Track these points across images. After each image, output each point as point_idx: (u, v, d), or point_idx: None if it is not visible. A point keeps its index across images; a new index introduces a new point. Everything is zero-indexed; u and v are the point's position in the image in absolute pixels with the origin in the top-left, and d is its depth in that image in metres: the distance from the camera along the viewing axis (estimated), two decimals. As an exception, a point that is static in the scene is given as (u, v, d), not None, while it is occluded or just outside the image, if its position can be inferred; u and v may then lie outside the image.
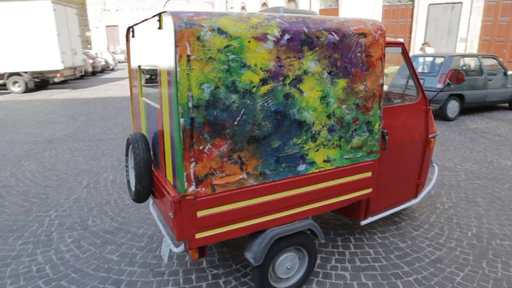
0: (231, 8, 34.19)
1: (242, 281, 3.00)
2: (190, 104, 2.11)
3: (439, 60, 9.14)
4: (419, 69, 9.77)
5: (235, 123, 2.27)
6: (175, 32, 2.00)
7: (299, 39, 2.38)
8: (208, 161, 2.24)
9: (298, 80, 2.43)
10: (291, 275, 2.87)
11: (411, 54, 16.56)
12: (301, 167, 2.60)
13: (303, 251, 2.86)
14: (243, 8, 31.50)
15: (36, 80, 16.21)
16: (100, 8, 36.67)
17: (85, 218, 4.14)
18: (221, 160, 2.28)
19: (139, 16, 36.83)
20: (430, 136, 3.65)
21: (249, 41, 2.21)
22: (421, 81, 8.83)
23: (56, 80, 15.93)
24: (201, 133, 2.18)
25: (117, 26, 40.43)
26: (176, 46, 2.01)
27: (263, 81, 2.30)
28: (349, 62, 2.62)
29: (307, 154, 2.60)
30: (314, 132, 2.59)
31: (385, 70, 14.96)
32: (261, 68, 2.28)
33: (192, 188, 2.24)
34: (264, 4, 27.26)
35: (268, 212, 2.56)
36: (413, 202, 3.78)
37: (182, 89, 2.07)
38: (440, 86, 8.69)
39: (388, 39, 3.24)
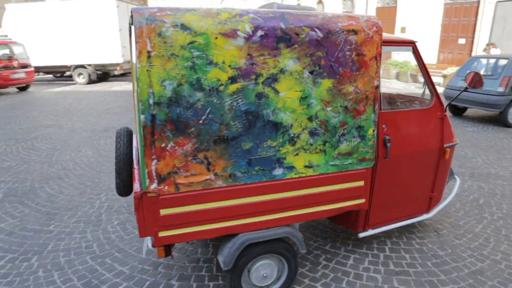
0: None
1: (273, 274, 3.06)
2: (151, 101, 2.06)
3: (502, 62, 8.55)
4: (481, 72, 9.21)
5: (200, 121, 2.19)
6: (135, 28, 1.98)
7: (275, 36, 2.24)
8: (171, 159, 2.19)
9: (273, 79, 2.29)
10: (268, 284, 2.74)
11: (473, 55, 15.59)
12: (278, 171, 2.45)
13: (282, 260, 2.73)
14: (298, 4, 31.34)
15: (98, 72, 17.28)
16: (160, 4, 38.20)
17: (131, 203, 4.41)
18: (185, 159, 2.21)
19: (196, 13, 37.88)
20: (446, 145, 3.31)
21: (216, 38, 2.11)
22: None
23: (116, 72, 16.89)
24: (163, 131, 2.13)
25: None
26: (136, 42, 1.99)
27: (232, 79, 2.19)
28: (335, 61, 2.43)
29: (284, 158, 2.45)
30: (292, 135, 2.43)
31: (444, 71, 14.21)
32: (229, 66, 2.17)
33: (154, 186, 2.20)
34: (320, 1, 26.91)
35: (241, 216, 2.45)
36: (425, 216, 3.49)
37: (142, 86, 2.03)
38: (501, 89, 8.14)
39: (397, 37, 3.02)
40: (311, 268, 3.14)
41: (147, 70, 2.02)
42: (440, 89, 13.62)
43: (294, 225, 2.95)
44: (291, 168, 2.49)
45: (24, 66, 13.71)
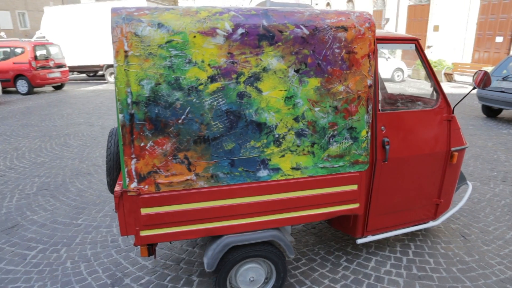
0: (316, 4, 33.78)
1: (292, 273, 3.06)
2: (129, 100, 2.05)
3: (541, 62, 8.15)
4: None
5: (180, 121, 2.16)
6: (112, 27, 1.98)
7: (256, 34, 2.17)
8: (151, 159, 2.17)
9: (255, 78, 2.23)
10: None
11: (511, 54, 14.92)
12: (262, 173, 2.39)
13: (270, 264, 2.65)
14: (328, 4, 31.01)
15: (130, 71, 17.72)
16: (190, 5, 38.86)
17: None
18: (165, 159, 2.19)
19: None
20: (453, 149, 3.12)
21: (194, 36, 2.07)
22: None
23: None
24: (141, 130, 2.12)
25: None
26: (113, 41, 1.99)
27: (212, 79, 2.15)
28: (323, 59, 2.33)
29: (269, 159, 2.38)
30: (277, 135, 2.35)
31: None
32: (209, 65, 2.13)
33: (134, 185, 2.19)
34: (350, 0, 26.54)
35: (225, 217, 2.40)
36: (432, 224, 3.31)
37: (120, 85, 2.03)
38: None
39: (400, 34, 2.88)
40: (331, 269, 3.12)
41: (125, 70, 2.02)
42: (465, 89, 13.13)
43: (285, 229, 2.89)
44: (277, 170, 2.41)
45: (60, 66, 14.27)
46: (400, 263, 3.19)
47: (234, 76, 2.19)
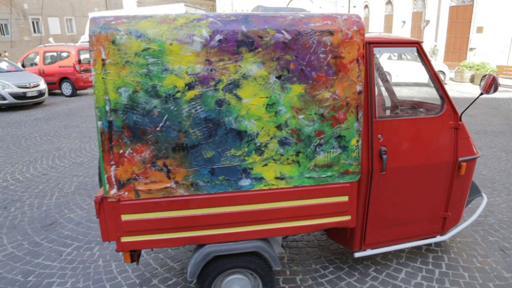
0: (354, 7, 33.27)
1: (319, 281, 3.02)
2: (108, 108, 2.08)
3: None
4: None
5: (158, 129, 2.16)
6: (89, 36, 2.01)
7: (235, 40, 2.13)
8: (130, 166, 2.18)
9: (234, 85, 2.18)
10: None
11: None
12: (244, 182, 2.33)
13: (256, 276, 2.58)
14: (366, 6, 30.45)
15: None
16: (228, 9, 39.31)
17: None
18: (144, 166, 2.20)
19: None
20: (461, 159, 2.90)
21: (170, 44, 2.08)
22: None
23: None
24: (120, 137, 2.13)
25: (241, 26, 42.92)
26: (90, 50, 2.02)
27: (190, 86, 2.13)
28: (307, 65, 2.25)
29: (251, 168, 2.32)
30: (259, 144, 2.29)
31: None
32: (186, 72, 2.12)
33: (114, 191, 2.21)
34: (389, 2, 25.91)
35: (206, 226, 2.37)
36: (440, 238, 3.11)
37: (98, 93, 2.06)
38: None
39: (400, 37, 2.74)
40: (359, 278, 3.05)
41: (103, 78, 2.05)
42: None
43: (275, 239, 2.80)
44: (259, 179, 2.35)
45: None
46: (432, 276, 3.06)
47: (212, 83, 2.16)
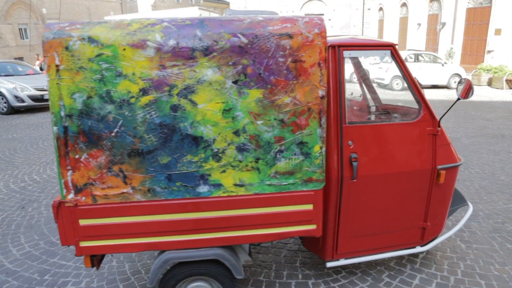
0: (368, 9, 33.03)
1: (331, 286, 3.00)
2: (62, 113, 2.09)
3: None
4: None
5: (113, 134, 2.16)
6: (43, 43, 2.03)
7: (189, 44, 2.11)
8: (86, 171, 2.19)
9: (189, 90, 2.15)
10: None
11: None
12: (202, 189, 2.30)
13: (218, 284, 2.55)
14: (380, 9, 30.22)
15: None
16: (241, 8, 39.48)
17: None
18: (100, 171, 2.20)
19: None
20: (439, 167, 2.78)
21: (124, 49, 2.07)
22: None
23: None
24: (76, 142, 2.14)
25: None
26: (44, 56, 2.03)
27: (144, 91, 2.12)
28: (265, 69, 2.19)
29: (209, 175, 2.28)
30: (216, 150, 2.25)
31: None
32: (140, 77, 2.10)
33: (71, 196, 2.21)
34: (404, 4, 25.66)
35: (165, 232, 2.35)
36: (419, 249, 3.00)
37: (53, 98, 2.07)
38: None
39: (373, 40, 2.65)
40: (372, 284, 3.01)
41: (57, 83, 2.06)
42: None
43: (241, 247, 2.74)
44: (218, 185, 2.31)
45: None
46: (447, 283, 3.01)
47: (166, 88, 2.14)
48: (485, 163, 5.93)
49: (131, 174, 2.23)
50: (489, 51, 17.70)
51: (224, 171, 2.30)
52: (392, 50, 2.64)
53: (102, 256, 2.60)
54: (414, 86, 2.70)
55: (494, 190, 4.85)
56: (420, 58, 15.27)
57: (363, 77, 3.63)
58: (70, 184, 2.21)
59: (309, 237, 2.91)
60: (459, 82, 2.71)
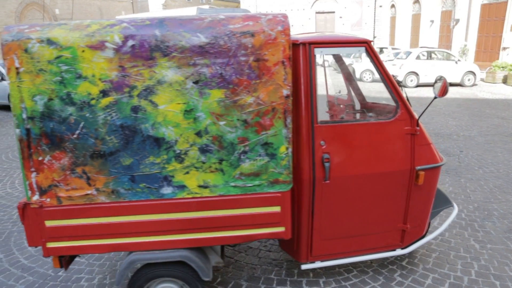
0: (380, 6, 32.67)
1: (342, 285, 2.98)
2: (24, 116, 2.09)
3: None
4: None
5: (74, 136, 2.15)
6: (2, 46, 2.01)
7: (148, 45, 2.08)
8: (50, 173, 2.19)
9: (149, 91, 2.13)
10: None
11: None
12: (166, 190, 2.28)
13: (185, 286, 2.53)
14: (392, 6, 29.88)
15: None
16: (252, 10, 39.49)
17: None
18: (63, 173, 2.20)
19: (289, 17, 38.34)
20: (418, 168, 2.70)
21: (83, 51, 2.05)
22: None
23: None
24: (38, 144, 2.14)
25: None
26: (4, 59, 2.03)
27: (104, 93, 2.11)
28: (227, 69, 2.16)
29: (172, 176, 2.26)
30: (178, 151, 2.23)
31: None
32: (100, 79, 2.09)
33: (36, 197, 2.22)
34: (417, 1, 25.33)
35: (130, 234, 2.34)
36: (400, 252, 2.91)
37: (14, 101, 2.07)
38: None
39: (347, 36, 2.57)
40: (384, 283, 2.99)
41: (18, 86, 2.06)
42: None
43: (212, 248, 2.70)
44: (182, 187, 2.29)
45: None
46: (461, 283, 2.97)
47: (126, 89, 2.12)
48: (500, 162, 5.83)
49: (95, 176, 2.23)
50: (504, 48, 17.37)
51: (187, 173, 2.28)
52: (367, 47, 2.55)
53: (72, 257, 2.60)
54: (390, 84, 2.61)
55: (509, 190, 4.77)
56: (433, 55, 15.06)
57: (346, 74, 3.51)
58: (34, 185, 2.21)
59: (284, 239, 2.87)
60: (436, 82, 2.63)
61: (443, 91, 2.56)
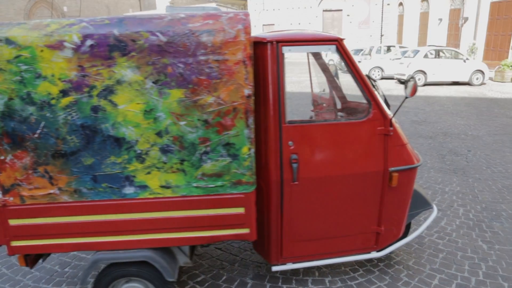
0: (388, 4, 32.48)
1: (348, 284, 2.97)
2: None
3: None
4: None
5: (36, 135, 2.15)
6: None
7: (106, 44, 2.07)
8: (12, 172, 2.19)
9: (109, 91, 2.13)
10: None
11: None
12: (128, 190, 2.28)
13: (150, 286, 2.53)
14: (400, 4, 29.67)
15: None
16: (259, 8, 39.43)
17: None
18: (26, 172, 2.20)
19: (294, 15, 38.18)
20: (392, 169, 2.64)
21: (41, 50, 2.04)
22: None
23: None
24: (0, 143, 2.14)
25: (273, 24, 42.96)
26: None
27: (64, 93, 2.10)
28: (186, 68, 2.14)
29: (134, 176, 2.26)
30: (139, 151, 2.22)
31: None
32: (59, 79, 2.08)
33: None
34: (425, -2, 25.11)
35: (93, 233, 2.34)
36: (375, 255, 2.86)
37: None
38: None
39: (316, 34, 2.51)
40: (390, 283, 2.97)
41: None
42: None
43: (180, 249, 2.68)
44: (144, 187, 2.29)
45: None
46: (468, 284, 2.94)
47: (86, 89, 2.12)
48: (509, 162, 5.77)
49: (57, 175, 2.24)
50: (514, 47, 17.17)
51: (149, 173, 2.27)
52: (337, 45, 2.49)
53: (37, 256, 2.61)
54: (362, 83, 2.56)
55: (518, 190, 4.72)
56: (441, 54, 14.94)
57: (326, 73, 3.43)
58: None
59: (257, 240, 2.84)
60: (407, 82, 2.54)
61: (414, 91, 2.50)
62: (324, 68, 3.37)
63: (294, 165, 2.49)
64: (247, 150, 2.30)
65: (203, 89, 2.18)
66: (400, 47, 19.54)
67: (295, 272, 3.15)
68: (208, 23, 2.14)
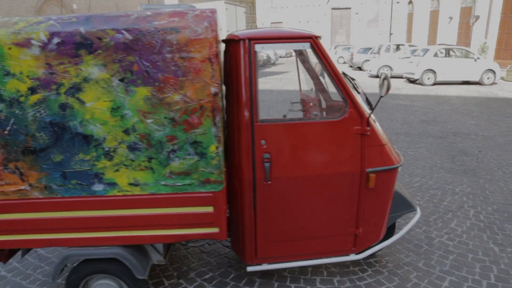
0: (397, 2, 32.18)
1: (357, 284, 2.95)
2: None
3: None
4: None
5: (6, 132, 2.18)
6: None
7: (73, 42, 2.08)
8: None
9: (76, 88, 2.14)
10: None
11: None
12: (98, 187, 2.30)
13: (122, 283, 2.55)
14: (410, 2, 29.40)
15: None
16: (267, 6, 39.34)
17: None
18: None
19: (302, 13, 38.04)
20: (369, 170, 2.59)
21: (9, 48, 2.06)
22: None
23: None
24: None
25: (281, 22, 42.84)
26: None
27: (32, 90, 2.12)
28: (152, 66, 2.15)
29: (103, 173, 2.28)
30: (107, 149, 2.24)
31: None
32: (28, 76, 2.10)
33: None
34: (435, -3, 24.84)
35: (64, 229, 2.35)
36: (354, 257, 2.82)
37: None
38: None
39: (290, 31, 2.47)
40: (399, 284, 2.94)
41: None
42: None
43: (153, 246, 2.67)
44: (113, 184, 2.31)
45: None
46: (479, 287, 2.90)
47: (54, 87, 2.14)
48: (520, 163, 5.69)
49: (27, 172, 2.26)
50: (526, 46, 16.93)
51: (117, 170, 2.29)
52: (311, 42, 2.45)
53: (11, 251, 2.62)
54: (338, 82, 2.51)
55: (530, 191, 4.65)
56: (451, 53, 14.78)
57: (310, 72, 3.37)
58: None
59: (234, 240, 2.84)
60: (382, 82, 2.46)
61: (387, 90, 2.42)
62: (308, 66, 3.33)
63: (267, 165, 2.48)
64: (214, 149, 2.31)
65: (170, 87, 2.19)
66: (410, 45, 19.38)
67: (303, 271, 3.13)
68: (173, 20, 2.15)
